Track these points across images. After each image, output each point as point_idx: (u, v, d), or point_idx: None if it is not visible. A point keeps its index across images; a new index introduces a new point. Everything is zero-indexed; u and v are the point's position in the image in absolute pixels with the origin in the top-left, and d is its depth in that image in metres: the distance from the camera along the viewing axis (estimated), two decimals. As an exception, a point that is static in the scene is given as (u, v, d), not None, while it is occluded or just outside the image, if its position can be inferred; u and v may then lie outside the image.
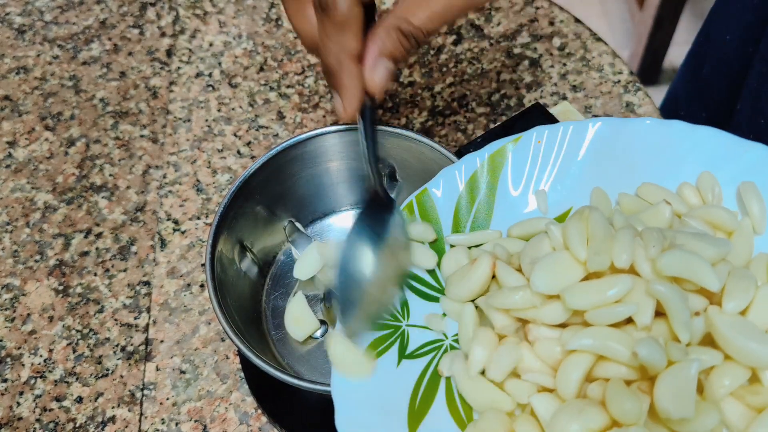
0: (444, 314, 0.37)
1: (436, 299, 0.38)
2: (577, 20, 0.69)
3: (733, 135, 0.37)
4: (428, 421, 0.34)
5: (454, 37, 0.68)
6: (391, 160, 0.49)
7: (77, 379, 0.51)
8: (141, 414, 0.50)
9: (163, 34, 0.70)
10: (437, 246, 0.39)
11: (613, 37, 1.56)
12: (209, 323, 0.53)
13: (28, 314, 0.54)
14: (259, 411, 0.49)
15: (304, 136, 0.47)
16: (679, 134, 0.38)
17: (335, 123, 0.55)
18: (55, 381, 0.51)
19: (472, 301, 0.37)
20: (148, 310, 0.54)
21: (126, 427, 0.49)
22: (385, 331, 0.37)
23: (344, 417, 0.33)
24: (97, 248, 0.57)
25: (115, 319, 0.54)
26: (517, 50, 0.67)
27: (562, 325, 0.34)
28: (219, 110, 0.65)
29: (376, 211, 0.38)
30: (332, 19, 0.34)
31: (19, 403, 0.50)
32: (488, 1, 0.45)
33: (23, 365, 0.52)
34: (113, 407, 0.50)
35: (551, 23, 0.69)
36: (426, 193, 0.39)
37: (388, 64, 0.36)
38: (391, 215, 0.38)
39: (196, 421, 0.49)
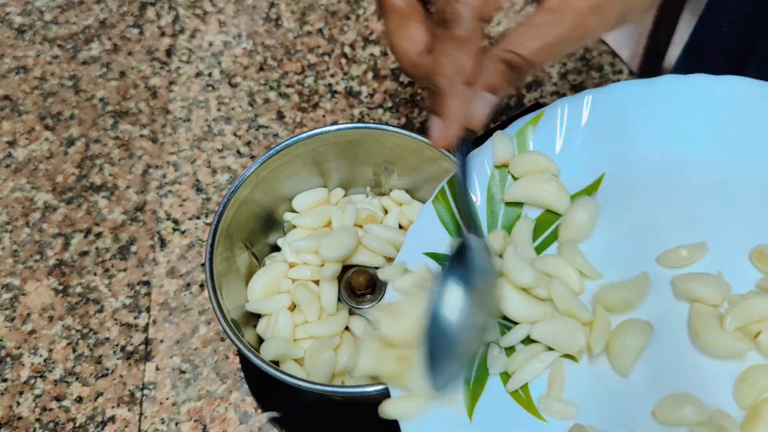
0: None
1: None
2: (577, 20, 0.69)
3: (756, 80, 0.37)
4: (484, 399, 0.35)
5: (454, 36, 0.68)
6: (390, 159, 0.49)
7: (77, 378, 0.51)
8: (141, 414, 0.50)
9: (162, 34, 0.70)
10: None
11: (613, 36, 1.56)
12: (209, 323, 0.53)
13: (28, 314, 0.54)
14: (259, 411, 0.49)
15: (303, 135, 0.47)
16: (703, 86, 0.38)
17: (335, 123, 0.55)
18: (55, 381, 0.51)
19: None
20: (148, 309, 0.54)
21: (126, 426, 0.49)
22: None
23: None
24: (96, 248, 0.57)
25: (115, 319, 0.54)
26: (517, 50, 0.67)
27: None
28: (219, 110, 0.65)
29: (464, 259, 0.35)
30: (452, 35, 0.32)
31: (19, 403, 0.50)
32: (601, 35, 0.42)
33: (23, 365, 0.52)
34: (113, 407, 0.50)
35: (551, 23, 0.69)
36: (455, 178, 0.40)
37: (490, 97, 0.33)
38: (480, 260, 0.35)
39: (195, 420, 0.49)
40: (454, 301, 0.34)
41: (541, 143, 0.40)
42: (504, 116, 0.63)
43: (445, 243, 0.39)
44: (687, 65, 0.68)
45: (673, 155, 0.38)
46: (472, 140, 0.36)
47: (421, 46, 0.34)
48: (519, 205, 0.40)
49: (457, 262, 0.35)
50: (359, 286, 0.47)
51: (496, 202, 0.40)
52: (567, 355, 0.35)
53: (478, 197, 0.40)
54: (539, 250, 0.39)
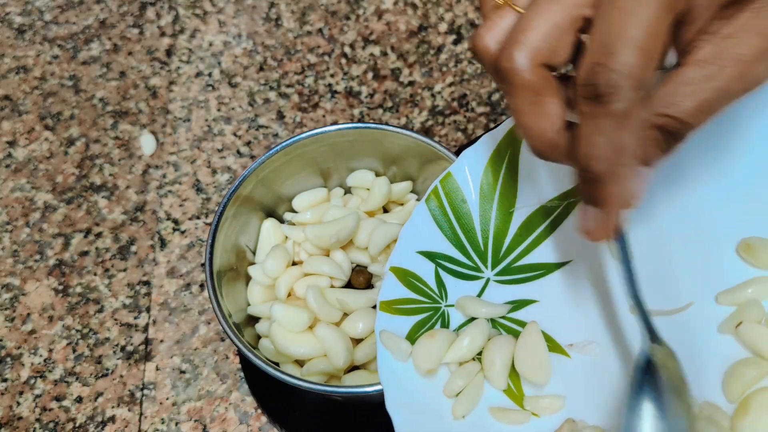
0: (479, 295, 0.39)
1: (472, 278, 0.39)
2: (577, 20, 0.69)
3: None
4: None
5: (454, 36, 0.68)
6: (390, 159, 0.49)
7: (77, 378, 0.51)
8: (141, 414, 0.50)
9: (162, 34, 0.70)
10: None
11: (613, 36, 1.56)
12: (209, 323, 0.53)
13: (28, 314, 0.54)
14: (259, 411, 0.49)
15: (303, 135, 0.47)
16: None
17: (335, 123, 0.55)
18: (55, 381, 0.51)
19: None
20: (148, 309, 0.54)
21: (126, 426, 0.49)
22: (425, 314, 0.38)
23: (393, 399, 0.34)
24: (96, 248, 0.57)
25: (115, 319, 0.54)
26: (517, 50, 0.67)
27: None
28: (219, 110, 0.65)
29: (653, 377, 0.30)
30: (610, 110, 0.26)
31: (19, 403, 0.50)
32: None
33: (23, 365, 0.52)
34: (113, 407, 0.50)
35: (551, 23, 0.69)
36: (450, 177, 0.40)
37: (646, 171, 0.28)
38: (670, 377, 0.31)
39: (196, 420, 0.49)
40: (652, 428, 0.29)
41: None
42: (504, 116, 0.63)
43: (437, 242, 0.39)
44: None
45: None
46: (628, 225, 0.32)
47: (559, 124, 0.29)
48: (511, 204, 0.40)
49: (647, 382, 0.30)
50: (359, 285, 0.47)
51: (487, 200, 0.40)
52: (558, 350, 0.36)
53: (473, 193, 0.40)
54: (532, 246, 0.39)
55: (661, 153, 0.28)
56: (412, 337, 0.36)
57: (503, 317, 0.38)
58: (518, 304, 0.38)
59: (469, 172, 0.40)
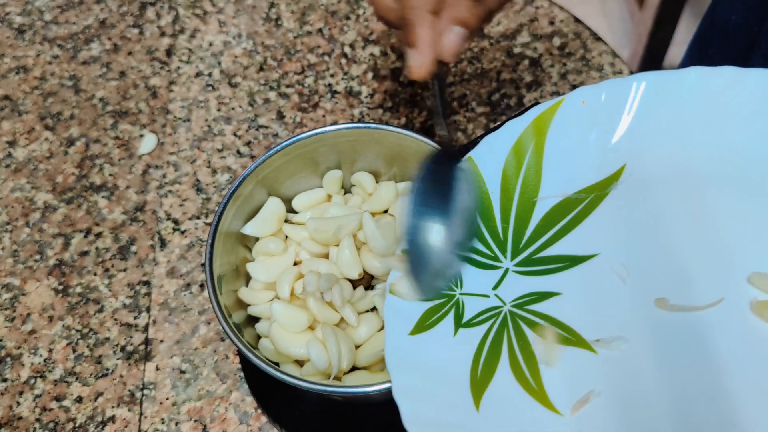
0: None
1: (489, 267, 0.38)
2: (577, 20, 0.69)
3: None
4: (493, 388, 0.33)
5: (454, 36, 0.68)
6: (390, 160, 0.49)
7: (77, 378, 0.51)
8: (141, 414, 0.50)
9: (162, 34, 0.70)
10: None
11: (613, 36, 1.56)
12: (209, 323, 0.53)
13: (28, 314, 0.54)
14: (259, 411, 0.49)
15: (303, 135, 0.47)
16: (729, 80, 0.37)
17: (335, 123, 0.55)
18: (55, 381, 0.51)
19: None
20: (148, 309, 0.54)
21: (126, 426, 0.49)
22: (438, 300, 0.36)
23: (402, 388, 0.32)
24: (96, 248, 0.57)
25: (115, 319, 0.54)
26: (517, 50, 0.67)
27: None
28: (219, 110, 0.65)
29: (446, 163, 0.38)
30: None
31: (19, 403, 0.50)
32: None
33: (23, 365, 0.52)
34: (113, 407, 0.50)
35: (551, 23, 0.69)
36: (470, 163, 0.39)
37: (460, 30, 0.37)
38: (459, 165, 0.38)
39: (195, 420, 0.49)
40: (435, 206, 0.36)
41: (559, 132, 0.39)
42: (504, 116, 0.63)
43: None
44: (695, 56, 0.68)
45: (694, 147, 0.38)
46: (446, 72, 0.39)
47: None
48: (534, 193, 0.39)
49: (438, 168, 0.37)
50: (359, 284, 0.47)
51: (509, 188, 0.39)
52: (583, 345, 0.34)
53: (494, 180, 0.39)
54: (556, 237, 0.38)
55: (473, 17, 0.37)
56: (423, 323, 0.35)
57: (523, 309, 0.36)
58: (539, 296, 0.36)
59: (491, 158, 0.39)
